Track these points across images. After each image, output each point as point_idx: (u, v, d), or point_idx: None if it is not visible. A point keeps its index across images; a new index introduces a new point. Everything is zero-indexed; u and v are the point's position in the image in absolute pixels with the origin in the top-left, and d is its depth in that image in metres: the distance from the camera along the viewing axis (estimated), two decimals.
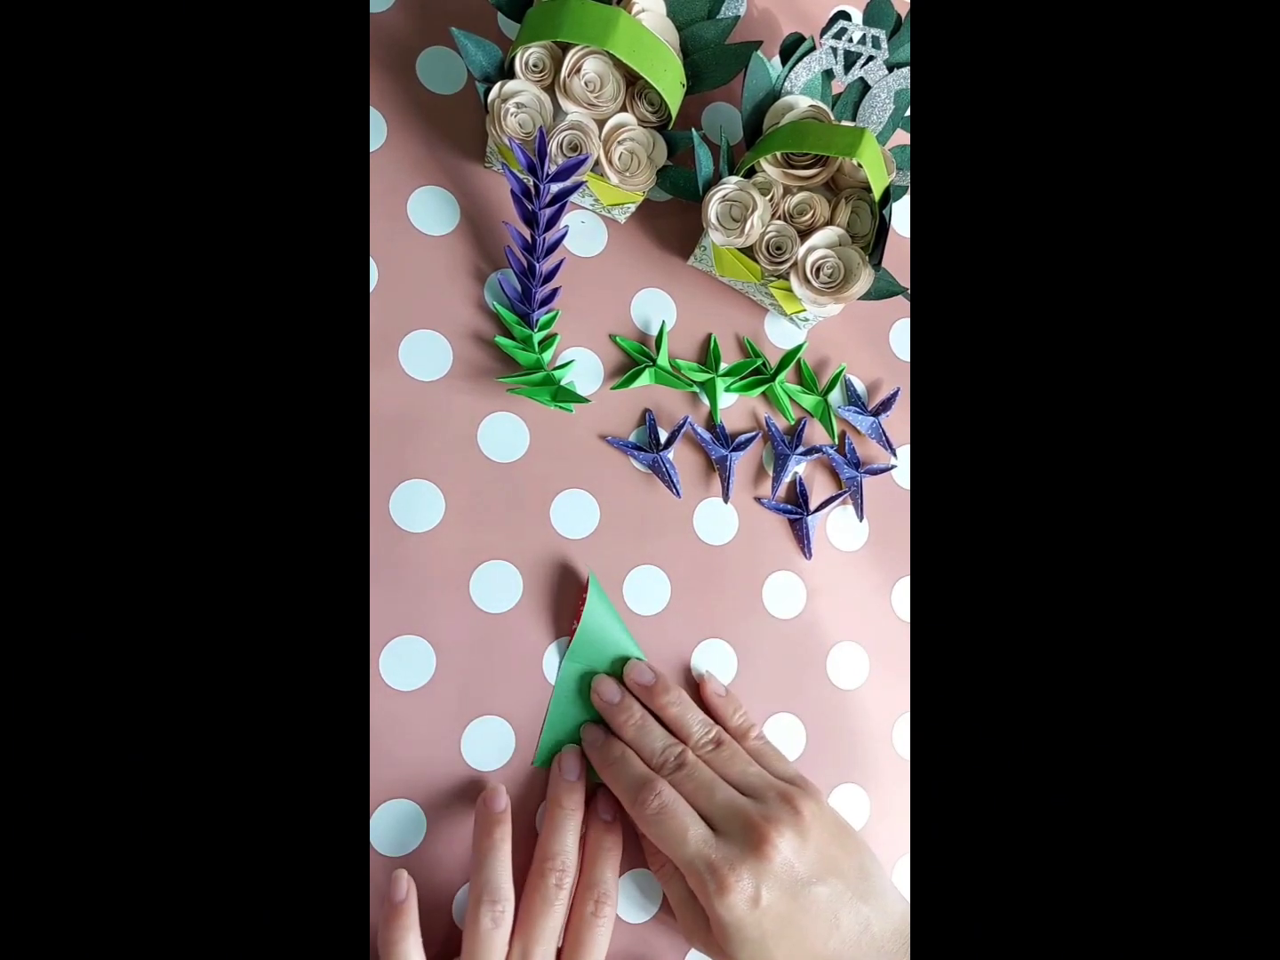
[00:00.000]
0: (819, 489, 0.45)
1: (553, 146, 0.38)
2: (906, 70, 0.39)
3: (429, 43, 0.42)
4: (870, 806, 0.44)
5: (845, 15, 0.39)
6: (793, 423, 0.45)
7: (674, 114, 0.40)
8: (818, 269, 0.40)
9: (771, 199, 0.40)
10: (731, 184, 0.40)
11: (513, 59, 0.38)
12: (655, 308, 0.44)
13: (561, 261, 0.40)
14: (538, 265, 0.39)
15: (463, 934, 0.36)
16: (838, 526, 0.45)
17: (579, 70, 0.38)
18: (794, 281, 0.40)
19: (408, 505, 0.40)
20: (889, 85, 0.40)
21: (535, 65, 0.39)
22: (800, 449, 0.44)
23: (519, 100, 0.38)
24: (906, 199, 0.46)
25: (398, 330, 0.41)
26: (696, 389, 0.44)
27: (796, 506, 0.44)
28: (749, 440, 0.44)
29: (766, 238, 0.40)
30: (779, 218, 0.41)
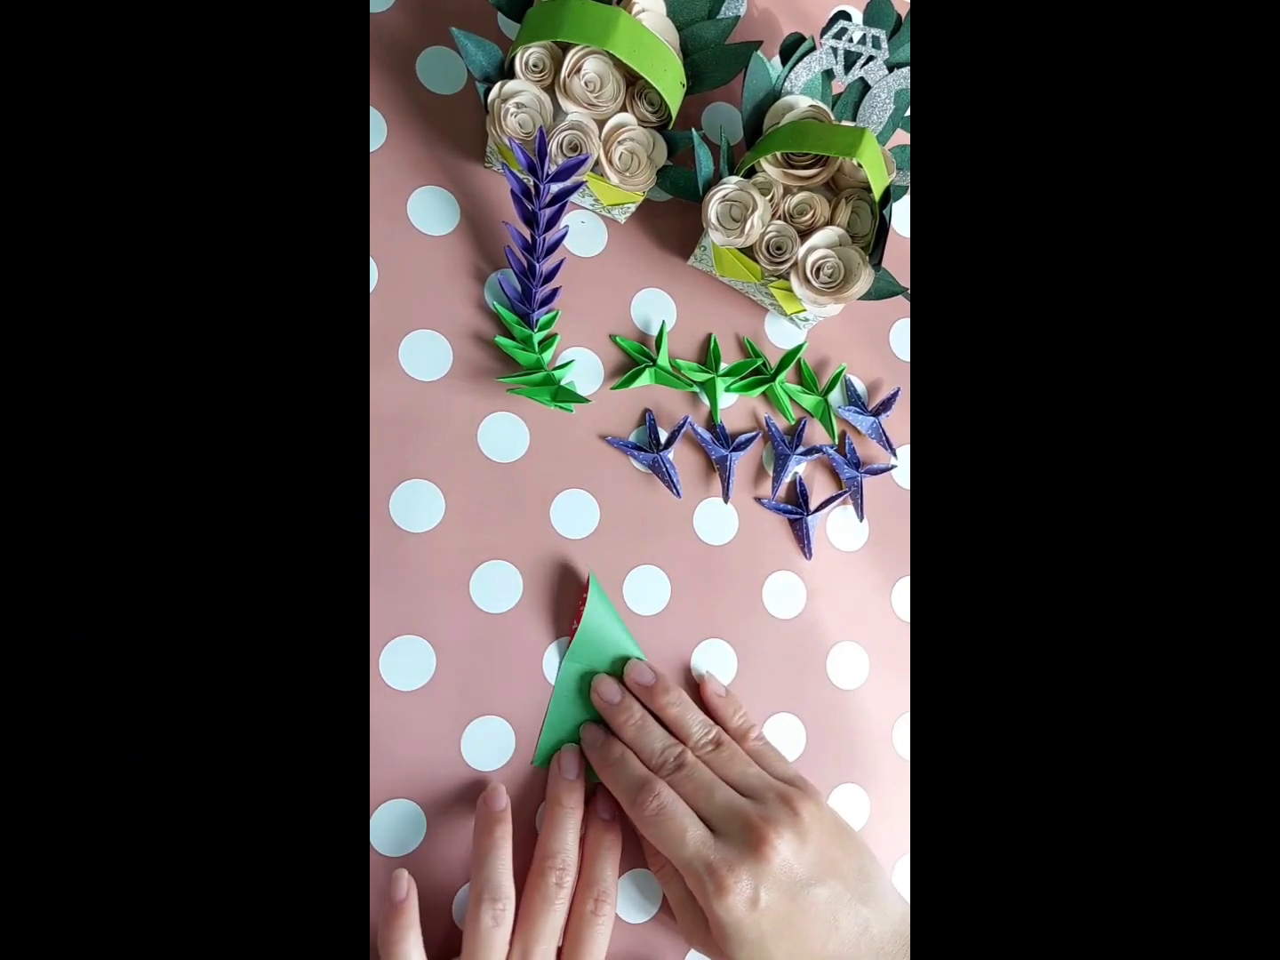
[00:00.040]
0: (819, 489, 0.45)
1: (553, 146, 0.38)
2: (906, 70, 0.39)
3: (429, 43, 0.42)
4: (870, 806, 0.44)
5: (845, 15, 0.39)
6: (793, 423, 0.45)
7: (674, 114, 0.40)
8: (818, 269, 0.40)
9: (771, 199, 0.40)
10: (731, 184, 0.40)
11: (513, 59, 0.38)
12: (655, 308, 0.44)
13: (561, 261, 0.40)
14: (538, 265, 0.39)
15: (463, 933, 0.36)
16: (838, 526, 0.45)
17: (579, 70, 0.38)
18: (794, 281, 0.40)
19: (408, 505, 0.40)
20: (889, 85, 0.40)
21: (535, 65, 0.39)
22: (800, 449, 0.44)
23: (519, 100, 0.38)
24: (906, 199, 0.46)
25: (398, 330, 0.41)
26: (696, 389, 0.44)
27: (796, 506, 0.44)
28: (749, 440, 0.44)
29: (766, 238, 0.40)
30: (779, 218, 0.41)
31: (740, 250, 0.41)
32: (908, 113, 0.41)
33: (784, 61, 0.40)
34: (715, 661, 0.43)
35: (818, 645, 0.44)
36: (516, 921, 0.36)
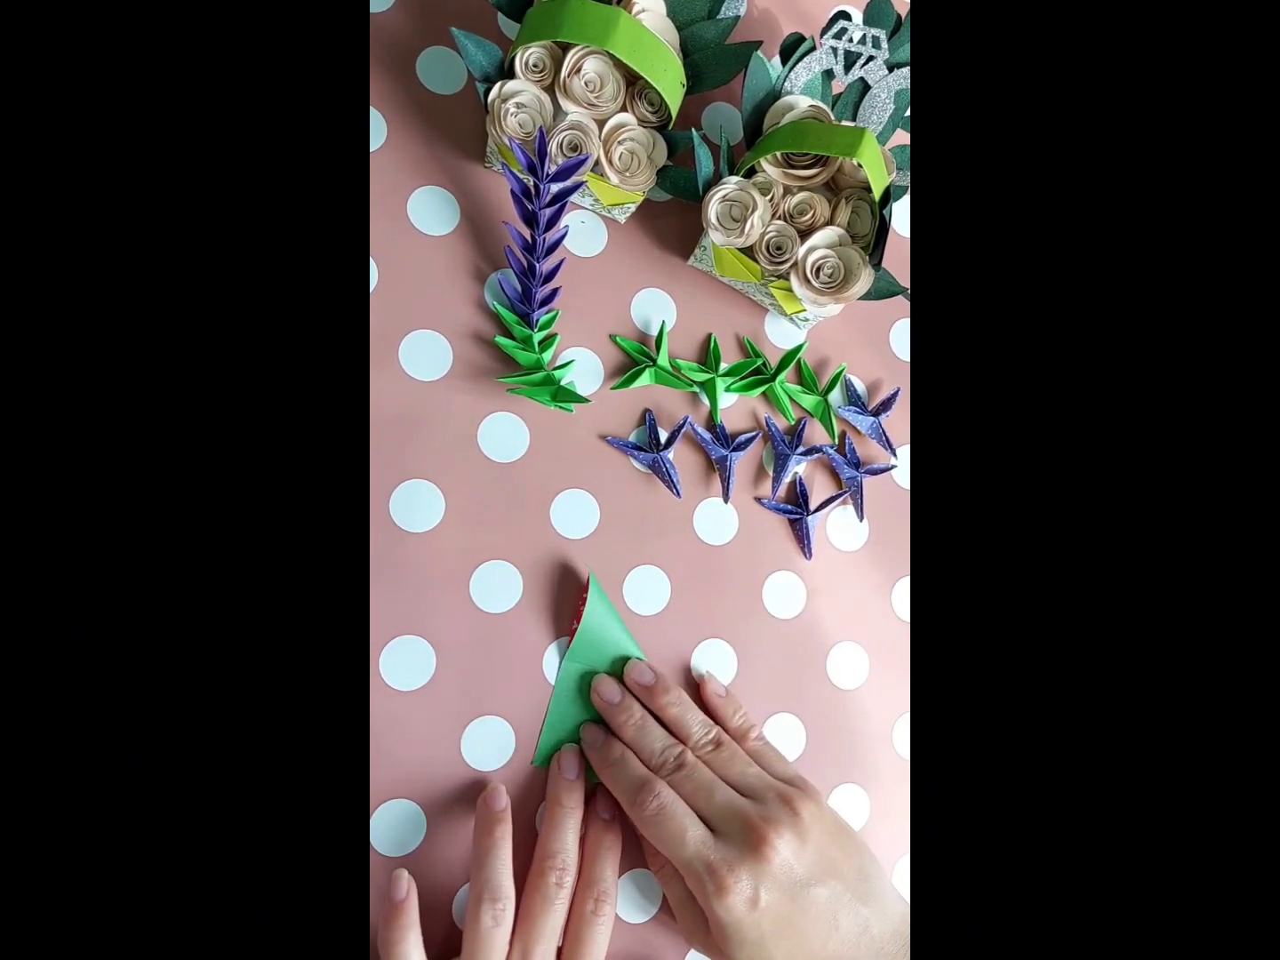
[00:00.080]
0: (819, 489, 0.45)
1: (553, 146, 0.38)
2: (906, 70, 0.39)
3: (429, 43, 0.42)
4: (870, 806, 0.44)
5: (845, 15, 0.39)
6: (793, 423, 0.45)
7: (674, 114, 0.40)
8: (818, 269, 0.40)
9: (771, 199, 0.40)
10: (731, 184, 0.40)
11: (513, 59, 0.38)
12: (655, 308, 0.44)
13: (561, 261, 0.40)
14: (538, 265, 0.39)
15: (463, 933, 0.36)
16: (838, 526, 0.45)
17: (579, 70, 0.38)
18: (794, 281, 0.40)
19: (408, 505, 0.40)
20: (889, 85, 0.40)
21: (535, 65, 0.39)
22: (800, 449, 0.44)
23: (519, 100, 0.38)
24: (906, 199, 0.46)
25: (398, 330, 0.41)
26: (696, 389, 0.44)
27: (796, 506, 0.44)
28: (749, 440, 0.44)
29: (766, 238, 0.40)
30: (779, 218, 0.41)
31: (740, 250, 0.41)
32: (908, 113, 0.41)
33: (784, 61, 0.40)
34: (715, 661, 0.43)
35: (818, 645, 0.44)
36: (516, 921, 0.36)
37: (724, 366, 0.44)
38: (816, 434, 0.46)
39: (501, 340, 0.41)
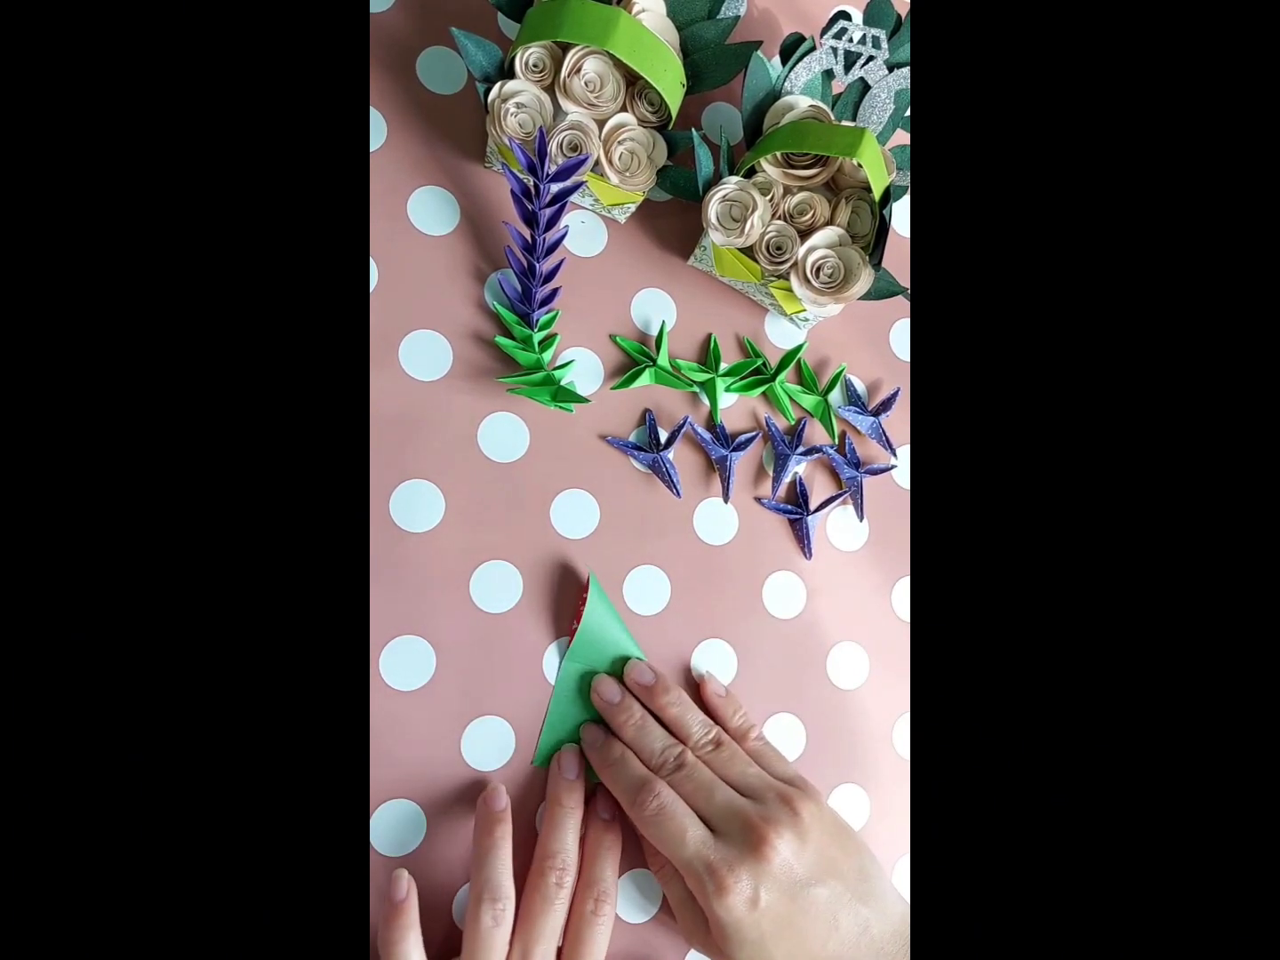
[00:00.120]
0: (819, 489, 0.45)
1: (553, 146, 0.38)
2: (906, 70, 0.39)
3: (429, 43, 0.42)
4: (870, 806, 0.44)
5: (845, 15, 0.39)
6: (793, 423, 0.45)
7: (674, 114, 0.40)
8: (818, 269, 0.40)
9: (771, 199, 0.40)
10: (731, 184, 0.40)
11: (513, 59, 0.38)
12: (655, 308, 0.44)
13: (561, 261, 0.40)
14: (538, 265, 0.39)
15: (463, 933, 0.36)
16: (838, 526, 0.45)
17: (579, 70, 0.38)
18: (794, 281, 0.40)
19: (408, 505, 0.40)
20: (889, 85, 0.40)
21: (535, 65, 0.39)
22: (800, 449, 0.44)
23: (519, 100, 0.38)
24: (906, 199, 0.46)
25: (398, 330, 0.41)
26: (696, 389, 0.44)
27: (796, 506, 0.44)
28: (749, 440, 0.44)
29: (766, 238, 0.40)
30: (779, 218, 0.41)
31: (740, 250, 0.41)
32: (908, 113, 0.41)
33: (784, 61, 0.40)
34: (715, 661, 0.43)
35: (818, 645, 0.44)
36: (516, 921, 0.36)
37: (724, 366, 0.44)
38: (816, 434, 0.46)
39: (501, 340, 0.41)
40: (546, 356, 0.41)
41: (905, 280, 0.44)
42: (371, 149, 0.41)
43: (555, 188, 0.37)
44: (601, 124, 0.39)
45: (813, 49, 0.40)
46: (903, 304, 0.47)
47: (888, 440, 0.45)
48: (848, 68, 0.40)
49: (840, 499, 0.45)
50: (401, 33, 0.42)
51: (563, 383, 0.42)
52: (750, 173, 0.41)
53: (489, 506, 0.41)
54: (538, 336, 0.41)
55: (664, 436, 0.43)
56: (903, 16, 0.39)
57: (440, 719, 0.40)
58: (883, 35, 0.39)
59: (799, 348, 0.45)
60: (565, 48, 0.38)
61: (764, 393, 0.45)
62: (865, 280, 0.39)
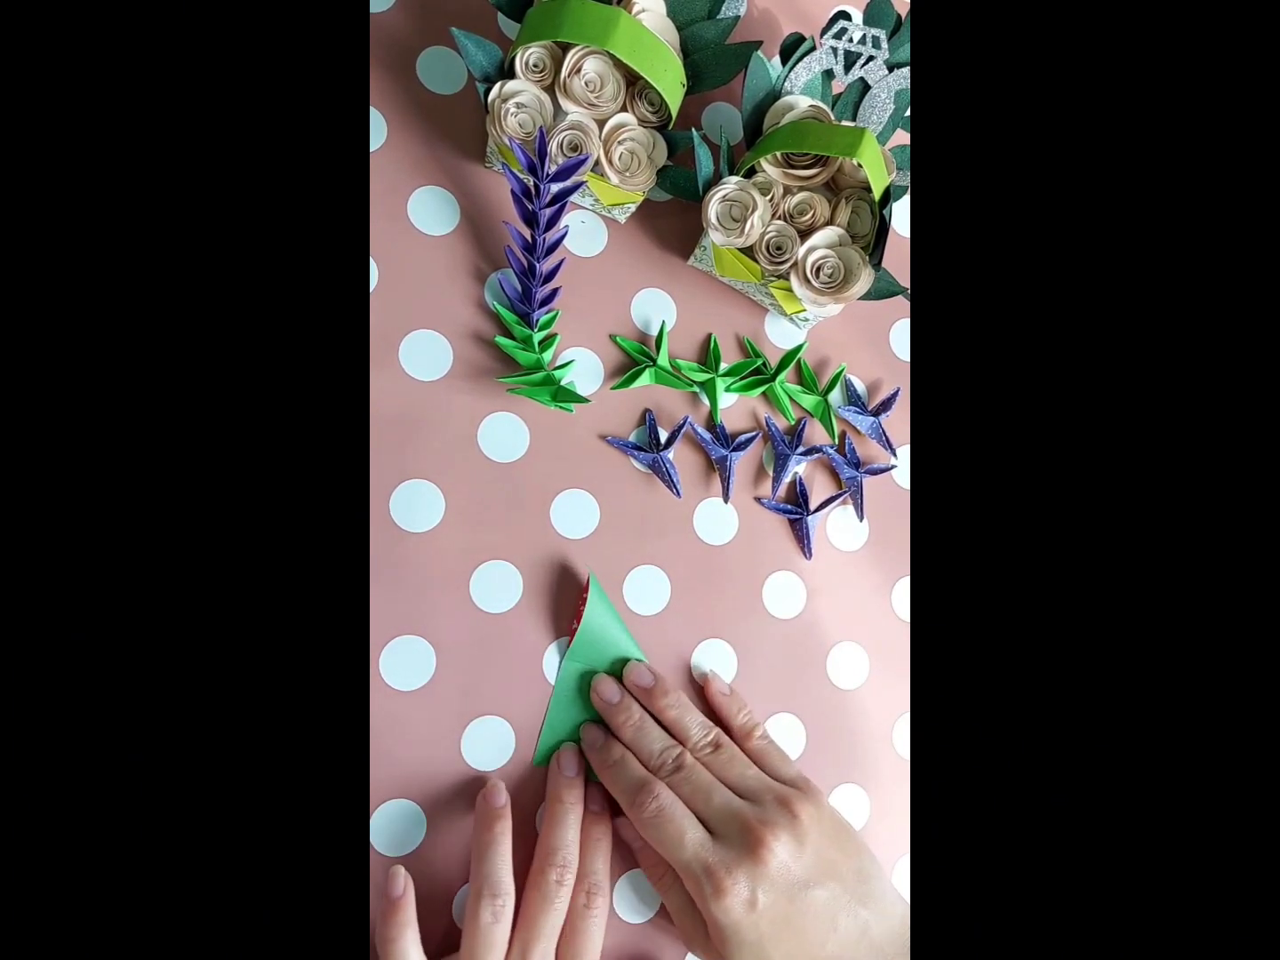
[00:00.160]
0: (819, 489, 0.45)
1: (553, 146, 0.38)
2: (906, 70, 0.39)
3: (429, 43, 0.42)
4: (870, 806, 0.44)
5: (845, 15, 0.39)
6: (793, 423, 0.45)
7: (674, 114, 0.40)
8: (818, 269, 0.40)
9: (771, 199, 0.40)
10: (731, 184, 0.40)
11: (513, 59, 0.38)
12: (655, 308, 0.44)
13: (561, 261, 0.40)
14: (538, 265, 0.39)
15: (463, 929, 0.36)
16: (838, 526, 0.45)
17: (579, 70, 0.38)
18: (794, 281, 0.40)
19: (408, 505, 0.40)
20: (889, 85, 0.40)
21: (535, 65, 0.39)
22: (800, 449, 0.44)
23: (519, 100, 0.38)
24: (906, 199, 0.46)
25: (398, 330, 0.41)
26: (696, 389, 0.44)
27: (796, 506, 0.44)
28: (749, 440, 0.44)
29: (766, 238, 0.40)
30: (779, 218, 0.41)
31: (740, 250, 0.41)
32: (908, 113, 0.41)
33: (784, 61, 0.40)
34: (715, 661, 0.43)
35: (818, 645, 0.44)
36: (516, 918, 0.36)
37: (724, 366, 0.44)
38: (816, 434, 0.46)
39: (501, 340, 0.41)
40: (546, 356, 0.41)
41: (905, 280, 0.44)
42: (371, 149, 0.41)
43: (555, 188, 0.37)
44: (601, 124, 0.39)
45: (813, 49, 0.40)
46: (903, 304, 0.47)
47: (888, 440, 0.45)
48: (848, 68, 0.40)
49: (840, 499, 0.45)
50: (401, 33, 0.42)
51: (563, 383, 0.42)
52: (750, 173, 0.41)
53: (489, 506, 0.41)
54: (538, 336, 0.41)
55: (664, 436, 0.43)
56: (903, 16, 0.39)
57: (440, 719, 0.40)
58: (883, 35, 0.39)
59: (799, 348, 0.45)
60: (565, 48, 0.38)
61: (764, 393, 0.45)
62: (865, 280, 0.39)
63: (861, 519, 0.45)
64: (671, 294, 0.44)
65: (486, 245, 0.42)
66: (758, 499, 0.44)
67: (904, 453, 0.46)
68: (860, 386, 0.46)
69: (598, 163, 0.39)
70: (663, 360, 0.43)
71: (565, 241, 0.42)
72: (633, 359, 0.43)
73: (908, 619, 0.45)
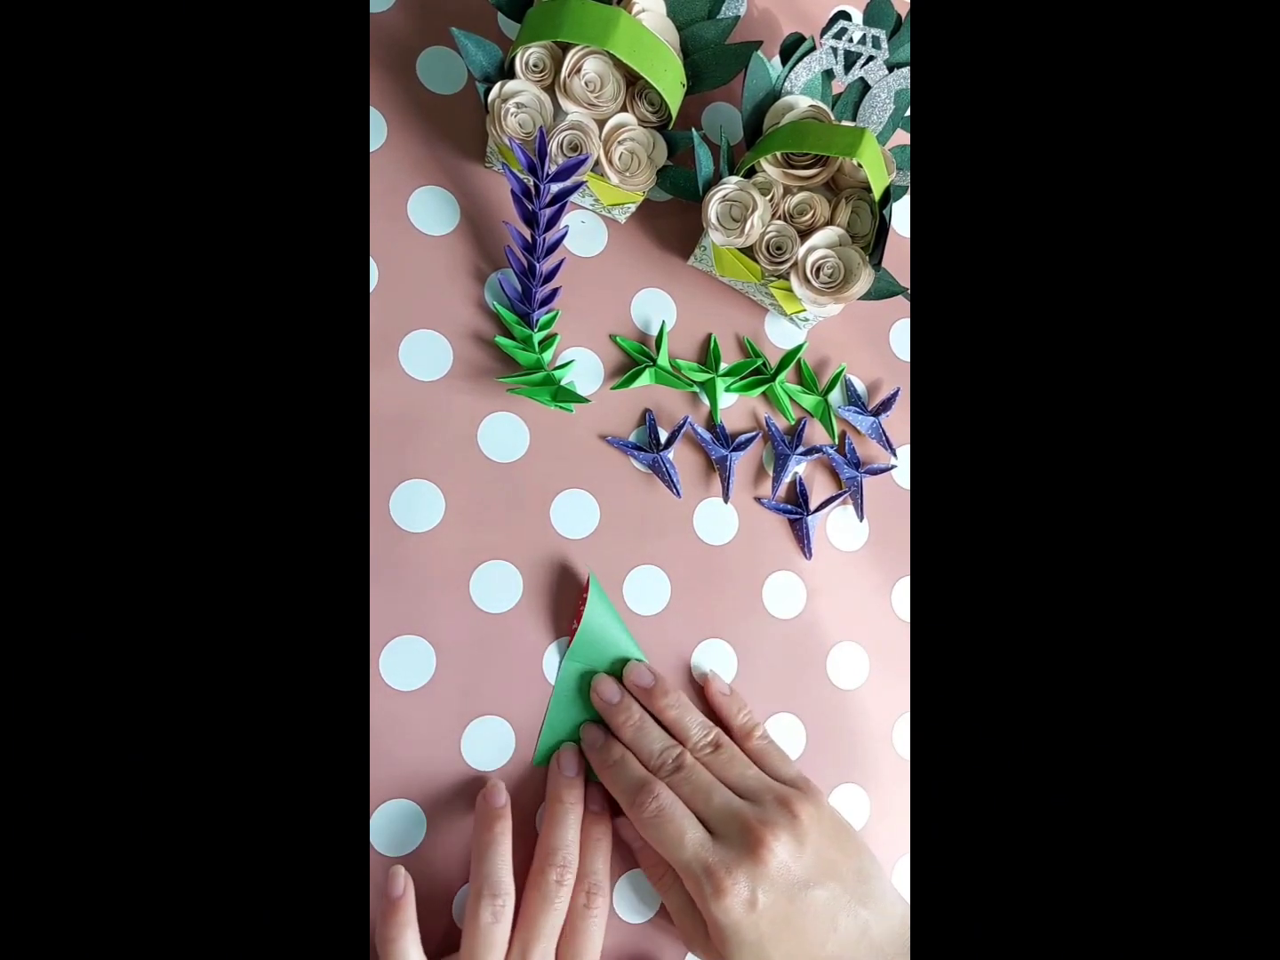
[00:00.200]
0: (819, 489, 0.45)
1: (553, 146, 0.38)
2: (906, 70, 0.39)
3: (429, 43, 0.42)
4: (870, 806, 0.44)
5: (845, 15, 0.39)
6: (793, 423, 0.45)
7: (674, 114, 0.40)
8: (818, 269, 0.40)
9: (771, 199, 0.40)
10: (731, 184, 0.40)
11: (513, 59, 0.38)
12: (655, 308, 0.44)
13: (561, 261, 0.40)
14: (538, 265, 0.39)
15: (463, 929, 0.36)
16: (838, 526, 0.45)
17: (579, 70, 0.38)
18: (794, 281, 0.40)
19: (408, 505, 0.40)
20: (889, 85, 0.40)
21: (535, 65, 0.39)
22: (800, 449, 0.44)
23: (519, 100, 0.38)
24: (906, 199, 0.46)
25: (398, 330, 0.41)
26: (696, 389, 0.44)
27: (796, 506, 0.44)
28: (749, 440, 0.44)
29: (766, 238, 0.40)
30: (779, 218, 0.41)
31: (740, 250, 0.41)
32: (908, 113, 0.41)
33: (784, 61, 0.40)
34: (715, 661, 0.43)
35: (818, 645, 0.44)
36: (516, 919, 0.36)
37: (724, 366, 0.44)
38: (816, 434, 0.46)
39: (501, 340, 0.41)
40: (546, 356, 0.41)
41: (905, 280, 0.44)
42: (371, 149, 0.41)
43: (555, 188, 0.37)
44: (601, 124, 0.39)
45: (813, 49, 0.40)
46: (903, 304, 0.47)
47: (888, 440, 0.45)
48: (848, 68, 0.40)
49: (840, 499, 0.45)
50: (401, 33, 0.42)
51: (563, 383, 0.42)
52: (750, 173, 0.41)
53: (489, 506, 0.41)
54: (538, 336, 0.41)
55: (664, 436, 0.43)
56: (903, 16, 0.39)
57: (440, 719, 0.40)
58: (883, 35, 0.39)
59: (799, 348, 0.45)
60: (565, 48, 0.38)
61: (764, 393, 0.45)
62: (865, 280, 0.39)
63: (861, 519, 0.45)
64: (671, 294, 0.44)
65: (486, 245, 0.42)
66: (758, 499, 0.44)
67: (904, 453, 0.46)
68: (860, 386, 0.46)
69: (598, 163, 0.39)
70: (663, 360, 0.43)
71: (565, 241, 0.42)
72: (633, 359, 0.43)
73: (908, 619, 0.45)
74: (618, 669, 0.41)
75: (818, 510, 0.44)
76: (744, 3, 0.40)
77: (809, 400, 0.45)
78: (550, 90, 0.39)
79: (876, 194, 0.38)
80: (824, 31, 0.39)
